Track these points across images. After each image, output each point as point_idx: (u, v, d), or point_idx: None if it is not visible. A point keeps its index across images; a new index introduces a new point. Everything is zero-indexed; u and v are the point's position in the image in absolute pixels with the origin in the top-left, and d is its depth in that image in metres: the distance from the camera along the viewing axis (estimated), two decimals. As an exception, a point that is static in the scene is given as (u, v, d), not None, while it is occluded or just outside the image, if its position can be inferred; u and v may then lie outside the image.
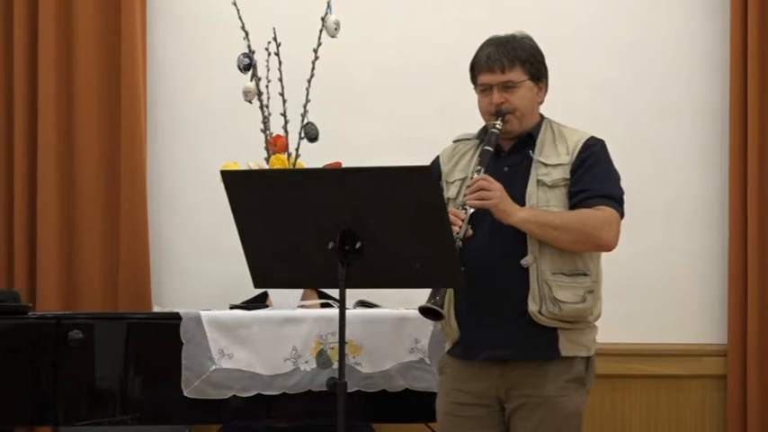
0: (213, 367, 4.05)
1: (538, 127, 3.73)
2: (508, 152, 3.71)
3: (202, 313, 4.09)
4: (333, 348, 4.06)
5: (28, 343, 4.08)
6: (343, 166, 4.27)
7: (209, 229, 4.88)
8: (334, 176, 3.47)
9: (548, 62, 4.98)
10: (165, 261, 4.95)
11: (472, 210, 3.54)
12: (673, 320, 5.00)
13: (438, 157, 3.83)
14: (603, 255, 4.93)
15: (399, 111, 4.99)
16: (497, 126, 3.64)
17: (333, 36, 4.57)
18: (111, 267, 4.84)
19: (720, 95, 4.97)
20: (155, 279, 4.87)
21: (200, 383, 4.03)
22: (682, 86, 5.02)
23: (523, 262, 3.58)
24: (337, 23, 4.55)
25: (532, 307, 3.57)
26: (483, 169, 3.59)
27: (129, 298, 4.78)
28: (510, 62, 3.67)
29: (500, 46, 3.69)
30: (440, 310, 3.51)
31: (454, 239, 3.38)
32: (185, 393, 4.03)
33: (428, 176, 3.30)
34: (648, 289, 4.99)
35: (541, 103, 3.77)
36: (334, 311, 4.02)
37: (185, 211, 4.97)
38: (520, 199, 3.60)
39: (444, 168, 3.75)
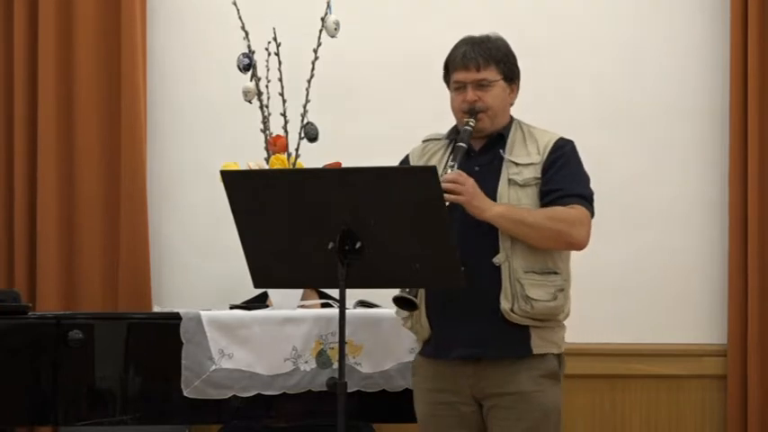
0: (213, 367, 4.05)
1: (508, 127, 3.77)
2: (479, 151, 3.75)
3: (202, 313, 4.09)
4: (333, 348, 4.06)
5: (28, 343, 4.08)
6: (343, 166, 4.27)
7: (209, 229, 4.88)
8: (335, 176, 3.47)
9: (548, 62, 5.01)
10: (165, 261, 4.95)
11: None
12: (673, 320, 4.99)
13: (407, 156, 3.87)
14: (604, 254, 4.95)
15: (399, 111, 4.99)
16: (471, 123, 3.69)
17: (333, 36, 4.57)
18: (111, 267, 4.84)
19: (720, 95, 4.97)
20: (155, 279, 4.87)
21: (201, 383, 4.03)
22: (682, 86, 5.02)
23: (495, 260, 3.61)
24: (337, 23, 4.55)
25: (505, 305, 3.59)
26: (456, 165, 3.61)
27: (129, 298, 4.78)
28: (485, 61, 3.71)
29: (475, 45, 3.74)
30: (414, 299, 3.52)
31: (454, 239, 3.38)
32: (185, 393, 4.03)
33: (429, 176, 3.30)
34: (649, 289, 4.99)
35: (512, 104, 3.81)
36: (334, 311, 4.02)
37: (185, 210, 4.97)
38: (491, 197, 3.63)
39: None
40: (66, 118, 4.85)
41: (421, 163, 3.77)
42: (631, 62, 5.02)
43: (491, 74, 3.71)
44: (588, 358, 4.89)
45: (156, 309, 4.74)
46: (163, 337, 4.11)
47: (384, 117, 4.98)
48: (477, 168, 3.67)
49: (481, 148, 3.75)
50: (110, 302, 4.81)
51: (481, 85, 3.71)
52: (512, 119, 3.80)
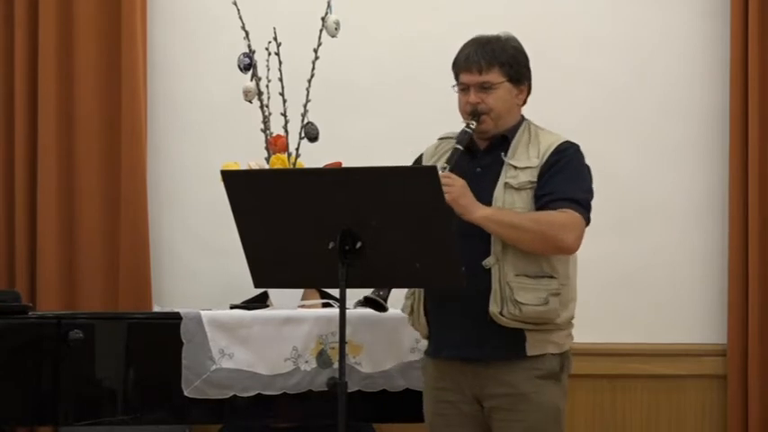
0: (213, 367, 4.05)
1: (515, 129, 3.73)
2: (483, 152, 3.73)
3: (203, 313, 4.09)
4: (333, 348, 4.06)
5: (28, 343, 4.08)
6: (344, 165, 4.27)
7: (209, 229, 4.88)
8: (335, 176, 3.47)
9: (549, 62, 5.00)
10: (165, 261, 4.95)
11: None
12: (673, 320, 5.00)
13: (422, 155, 3.85)
14: (603, 254, 4.95)
15: (399, 110, 4.99)
16: (471, 126, 3.67)
17: (333, 36, 4.57)
18: (112, 267, 4.83)
19: (721, 95, 4.97)
20: (155, 279, 4.87)
21: (201, 383, 4.03)
22: (682, 86, 5.02)
23: (485, 263, 3.59)
24: (337, 23, 4.55)
25: (493, 308, 3.57)
26: (448, 167, 3.60)
27: (129, 298, 4.78)
28: (488, 63, 3.68)
29: (480, 47, 3.71)
30: (382, 302, 3.53)
31: (454, 239, 3.38)
32: (185, 393, 4.04)
33: (429, 177, 3.30)
34: (648, 289, 4.99)
35: (522, 104, 3.77)
36: (335, 311, 4.02)
37: (186, 211, 4.97)
38: (487, 200, 3.61)
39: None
40: (66, 118, 4.85)
41: (432, 161, 3.75)
42: (632, 62, 5.02)
43: (494, 76, 3.68)
44: (588, 358, 4.89)
45: (156, 309, 4.74)
46: (163, 337, 4.11)
47: (384, 117, 4.98)
48: (478, 170, 3.67)
49: (485, 148, 3.73)
50: (110, 302, 4.81)
51: (484, 87, 3.68)
52: (522, 119, 3.77)
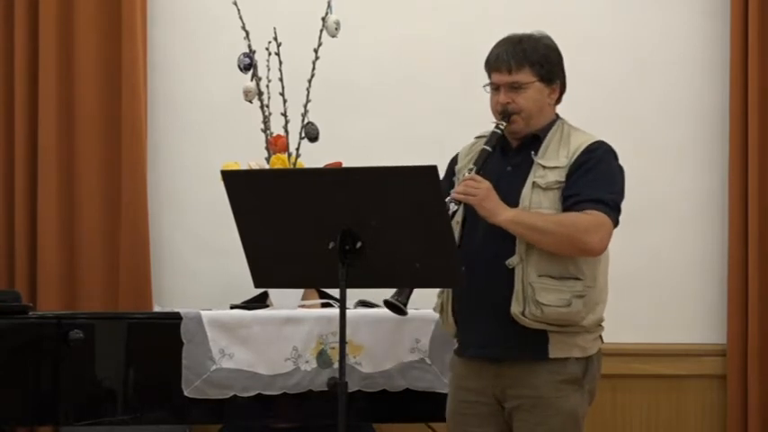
0: (214, 367, 4.05)
1: (548, 128, 3.68)
2: (514, 151, 3.69)
3: (203, 313, 4.10)
4: (333, 348, 4.06)
5: (29, 343, 4.09)
6: (344, 165, 4.27)
7: (209, 229, 4.88)
8: (335, 176, 3.47)
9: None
10: (165, 261, 4.95)
11: (455, 206, 3.53)
12: (673, 320, 5.00)
13: (457, 155, 3.81)
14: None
15: (400, 110, 4.99)
16: (501, 126, 3.63)
17: (333, 36, 4.58)
18: (112, 267, 4.83)
19: (721, 95, 4.98)
20: (155, 279, 4.87)
21: (201, 383, 4.04)
22: (682, 86, 5.02)
23: (508, 262, 3.56)
24: (338, 23, 4.55)
25: (515, 308, 3.54)
26: (475, 168, 3.59)
27: (129, 298, 4.78)
28: (518, 63, 3.62)
29: (511, 46, 3.65)
30: (401, 306, 3.52)
31: (455, 240, 3.38)
32: (186, 393, 4.04)
33: (429, 176, 3.30)
34: (648, 289, 4.99)
35: (556, 103, 3.71)
36: (335, 311, 4.03)
37: (186, 210, 4.97)
38: (515, 199, 3.58)
39: (460, 165, 3.75)
40: (66, 118, 4.85)
41: (466, 160, 3.72)
42: (631, 62, 5.02)
43: (524, 76, 3.62)
44: (588, 358, 4.89)
45: (156, 309, 4.74)
46: (163, 337, 4.12)
47: (384, 117, 4.98)
48: (509, 169, 3.64)
49: (516, 147, 3.69)
50: (110, 302, 4.81)
51: (514, 87, 3.62)
52: (556, 119, 3.72)
